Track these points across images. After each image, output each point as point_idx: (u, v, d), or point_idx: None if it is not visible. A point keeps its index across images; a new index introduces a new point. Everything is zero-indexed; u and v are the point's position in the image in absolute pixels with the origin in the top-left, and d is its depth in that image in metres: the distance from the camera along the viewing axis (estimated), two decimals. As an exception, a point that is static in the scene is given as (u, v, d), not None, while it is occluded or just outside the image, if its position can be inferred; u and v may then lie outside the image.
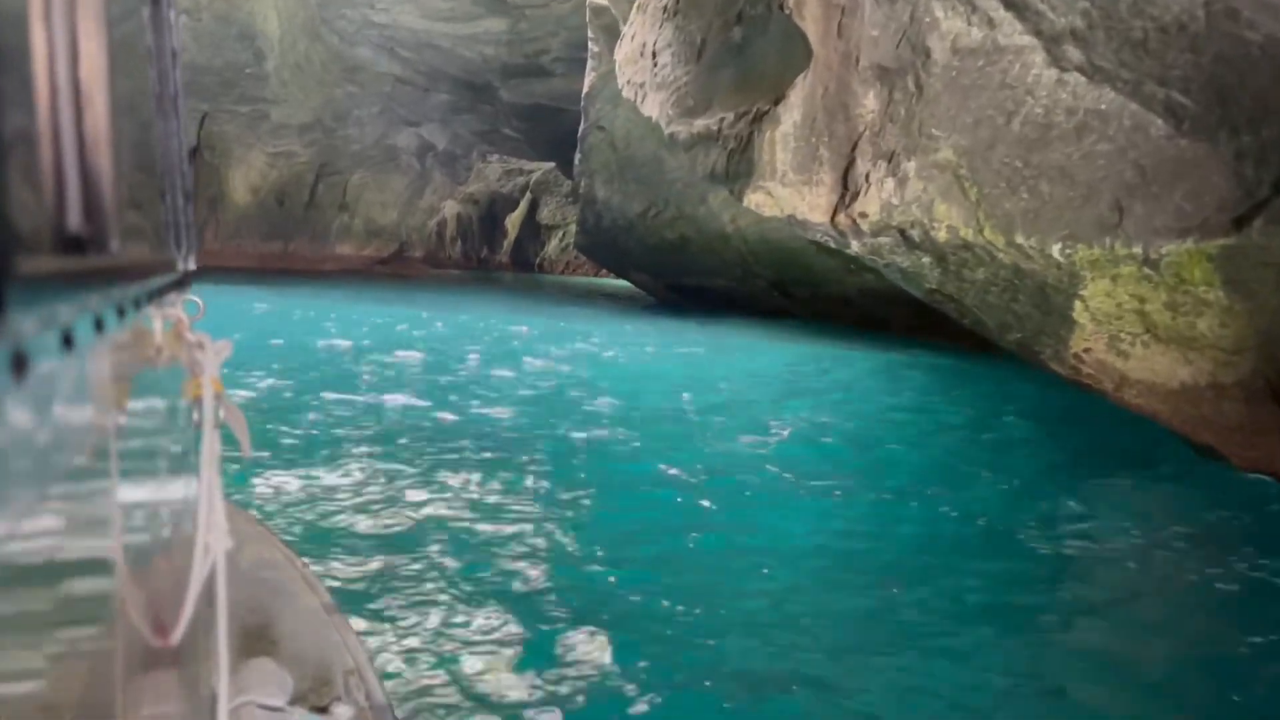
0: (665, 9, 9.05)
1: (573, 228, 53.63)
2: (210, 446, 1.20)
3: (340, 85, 27.09)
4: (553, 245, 55.25)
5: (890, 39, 6.17)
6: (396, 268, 35.55)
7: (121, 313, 0.81)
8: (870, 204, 6.47)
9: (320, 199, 31.12)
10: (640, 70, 9.99)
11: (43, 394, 0.52)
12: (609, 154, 23.57)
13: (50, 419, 0.54)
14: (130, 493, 0.89)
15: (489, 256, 52.16)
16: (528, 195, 52.44)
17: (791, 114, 6.71)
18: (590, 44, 20.34)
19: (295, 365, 9.30)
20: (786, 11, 6.54)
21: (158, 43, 1.49)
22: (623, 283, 32.09)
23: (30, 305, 0.47)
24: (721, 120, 7.72)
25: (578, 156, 24.69)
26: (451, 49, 25.97)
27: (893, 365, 13.11)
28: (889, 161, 6.36)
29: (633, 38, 10.34)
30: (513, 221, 53.41)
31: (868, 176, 6.50)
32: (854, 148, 6.56)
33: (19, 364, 0.45)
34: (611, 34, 19.91)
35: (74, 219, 0.67)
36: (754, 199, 7.08)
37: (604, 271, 47.86)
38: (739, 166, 7.17)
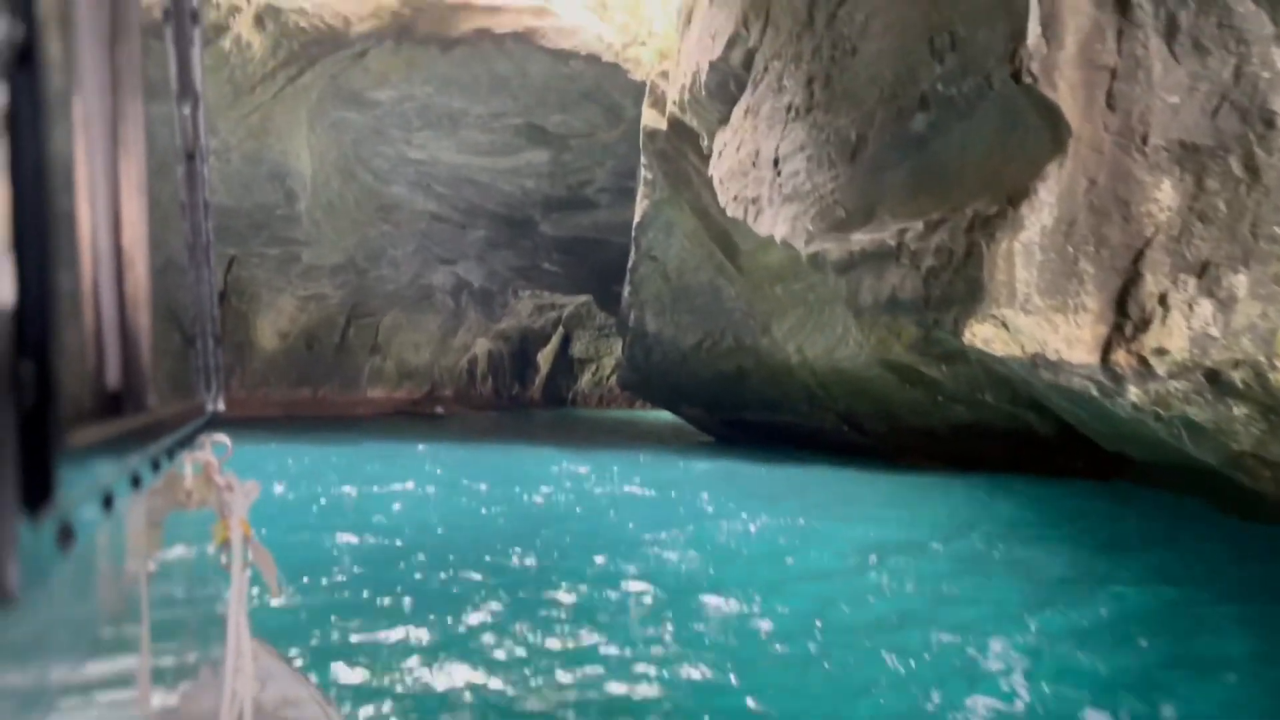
0: (791, 108, 7.28)
1: (606, 361, 52.27)
2: (239, 589, 1.24)
3: (374, 224, 26.01)
4: (585, 379, 53.89)
5: (1201, 106, 4.36)
6: (429, 408, 33.97)
7: (156, 466, 0.82)
8: (1171, 336, 4.51)
9: (351, 342, 29.75)
10: (753, 183, 8.23)
11: (83, 558, 0.51)
12: (661, 285, 22.09)
13: (89, 581, 0.55)
14: (159, 640, 0.88)
15: (520, 393, 50.66)
16: (560, 330, 51.40)
17: (1038, 217, 4.84)
18: (643, 170, 19.02)
19: (362, 523, 7.22)
20: (1027, 81, 4.74)
21: (191, 196, 1.61)
22: (663, 415, 30.26)
23: (76, 476, 0.50)
24: (903, 232, 5.80)
25: (627, 289, 23.19)
26: (491, 183, 24.91)
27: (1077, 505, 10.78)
28: (1200, 276, 4.43)
29: (738, 148, 8.63)
30: (545, 357, 52.20)
31: (1164, 298, 4.56)
32: (1138, 259, 4.66)
33: (65, 536, 0.47)
34: (667, 159, 18.58)
35: (113, 377, 0.69)
36: (978, 332, 5.12)
37: (639, 404, 46.18)
38: (950, 290, 5.23)
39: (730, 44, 8.55)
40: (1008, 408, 17.63)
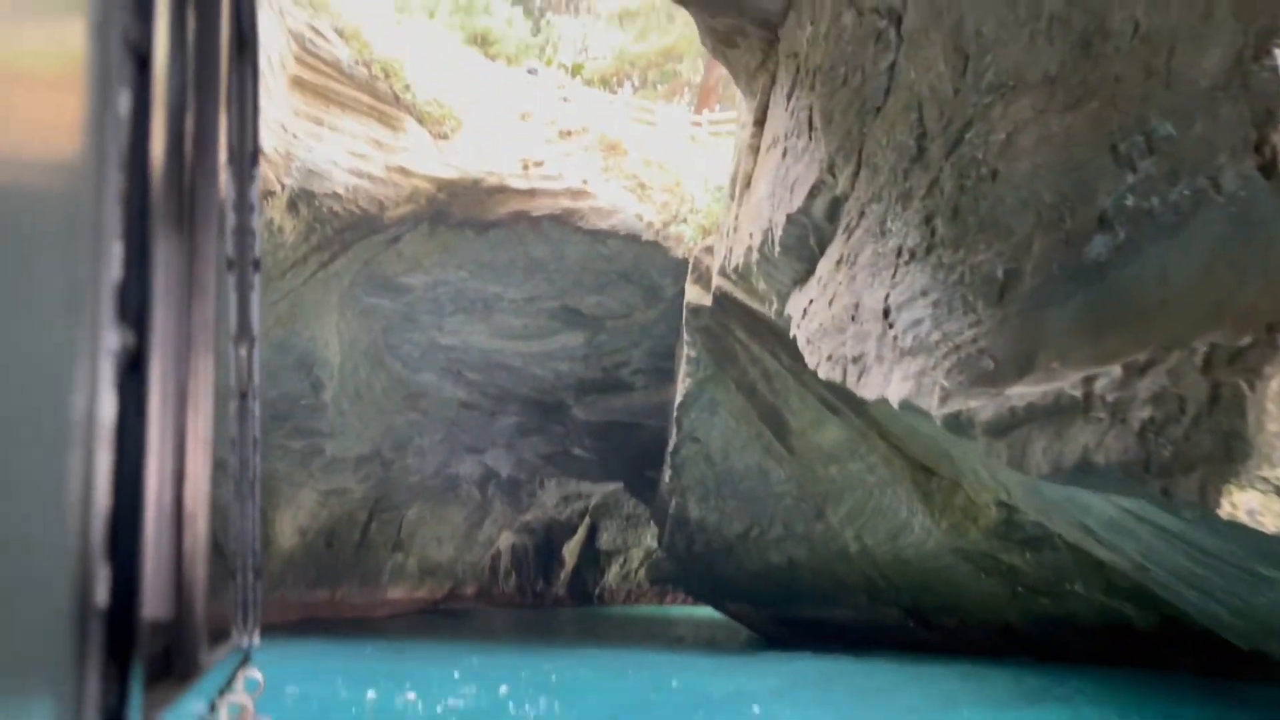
0: (903, 251, 6.26)
1: (634, 553, 50.03)
2: None
3: (402, 413, 25.14)
4: (613, 573, 51.48)
5: None
6: (453, 605, 32.02)
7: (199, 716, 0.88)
8: None
9: (373, 538, 28.24)
10: (854, 339, 7.13)
11: None
12: (704, 468, 20.83)
13: None
14: None
15: (545, 589, 48.26)
16: (586, 520, 49.61)
17: (1318, 347, 3.69)
18: (685, 349, 18.20)
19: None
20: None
21: (242, 432, 1.72)
22: (701, 611, 28.36)
23: None
24: (1090, 381, 4.60)
25: (667, 473, 21.91)
26: (523, 368, 24.19)
27: None
28: None
29: (830, 302, 7.60)
30: (570, 550, 50.10)
31: None
32: None
33: None
34: (711, 335, 17.77)
35: (168, 627, 0.74)
36: (1239, 501, 3.84)
37: (669, 598, 43.72)
38: (1189, 447, 3.98)
39: (812, 194, 7.67)
40: (1100, 599, 15.78)
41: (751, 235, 9.77)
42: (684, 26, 28.07)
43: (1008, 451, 5.37)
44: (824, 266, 7.82)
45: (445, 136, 17.77)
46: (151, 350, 0.60)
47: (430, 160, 17.36)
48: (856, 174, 7.23)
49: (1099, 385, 4.58)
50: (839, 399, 15.70)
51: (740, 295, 15.56)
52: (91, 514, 0.53)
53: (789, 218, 8.23)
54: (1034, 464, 5.11)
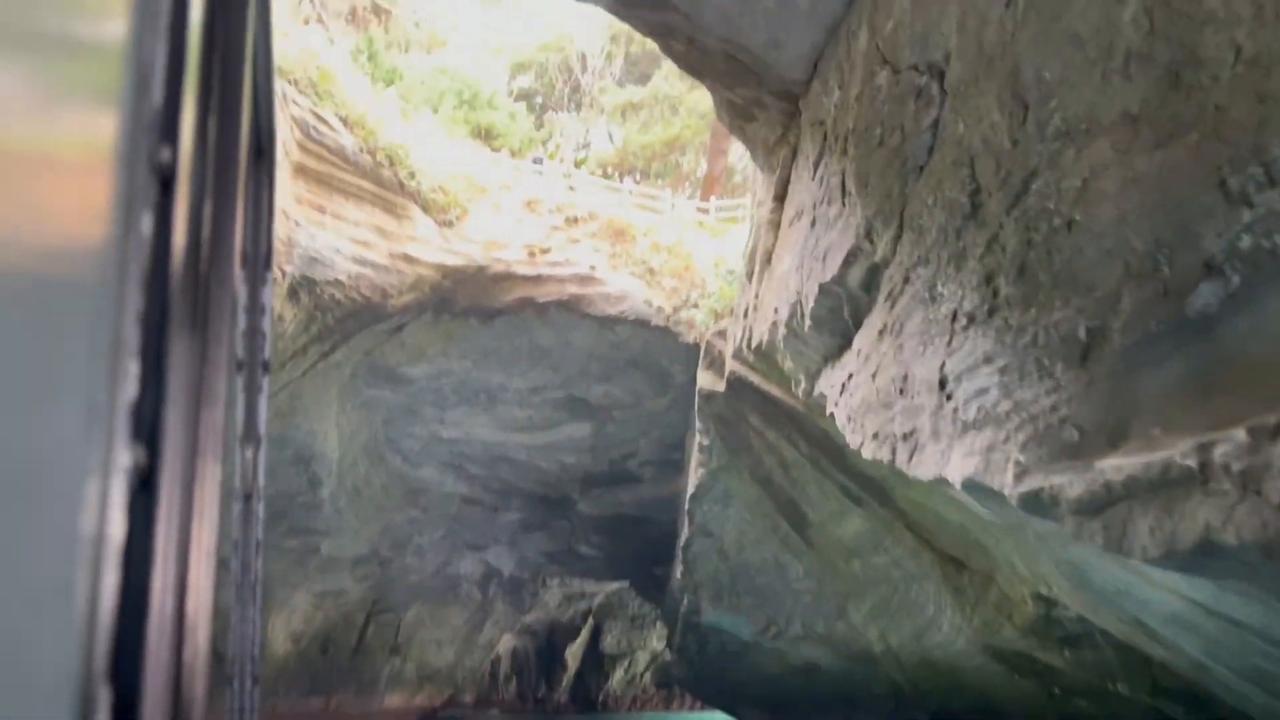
0: (959, 315, 5.74)
1: (640, 656, 48.24)
2: None
3: (401, 510, 24.29)
4: (617, 677, 49.55)
5: None
6: (452, 713, 30.50)
7: None
8: None
9: (370, 642, 27.01)
10: (904, 414, 6.55)
11: None
12: (717, 563, 19.92)
13: None
14: None
15: (547, 694, 46.31)
16: (590, 622, 47.95)
17: None
18: (698, 437, 17.55)
19: None
20: None
21: (245, 535, 1.69)
22: (709, 718, 27.10)
23: None
24: (1206, 448, 4.01)
25: (678, 569, 20.96)
26: (527, 461, 23.45)
27: None
28: None
29: (874, 375, 7.04)
30: (573, 653, 48.30)
31: None
32: None
33: None
34: (724, 423, 17.17)
35: None
36: None
37: (675, 704, 41.91)
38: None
39: (847, 262, 7.18)
40: (1145, 700, 14.76)
41: (777, 310, 9.26)
42: (686, 117, 28.36)
43: (1104, 533, 4.70)
44: (863, 338, 7.27)
45: (450, 224, 17.50)
46: (163, 467, 0.61)
47: (435, 248, 17.05)
48: (898, 238, 6.73)
49: (1219, 453, 3.96)
50: (862, 488, 14.97)
51: (756, 379, 15.00)
52: (96, 636, 0.52)
53: (821, 288, 7.72)
54: (1139, 546, 4.44)
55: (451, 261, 17.22)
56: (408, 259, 16.69)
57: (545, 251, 17.67)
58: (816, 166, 8.44)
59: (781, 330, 9.01)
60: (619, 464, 23.14)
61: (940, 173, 6.27)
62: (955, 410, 5.91)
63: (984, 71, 5.79)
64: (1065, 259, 4.95)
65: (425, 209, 17.09)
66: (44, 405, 0.50)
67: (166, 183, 0.69)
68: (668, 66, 29.59)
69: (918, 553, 15.36)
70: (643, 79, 29.84)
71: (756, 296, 10.85)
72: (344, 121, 15.83)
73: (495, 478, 24.17)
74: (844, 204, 7.58)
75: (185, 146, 0.71)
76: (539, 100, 30.52)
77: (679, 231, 18.27)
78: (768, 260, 10.53)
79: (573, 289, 17.48)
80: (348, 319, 16.92)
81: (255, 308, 1.74)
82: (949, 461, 6.02)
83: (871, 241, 7.18)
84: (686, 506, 19.17)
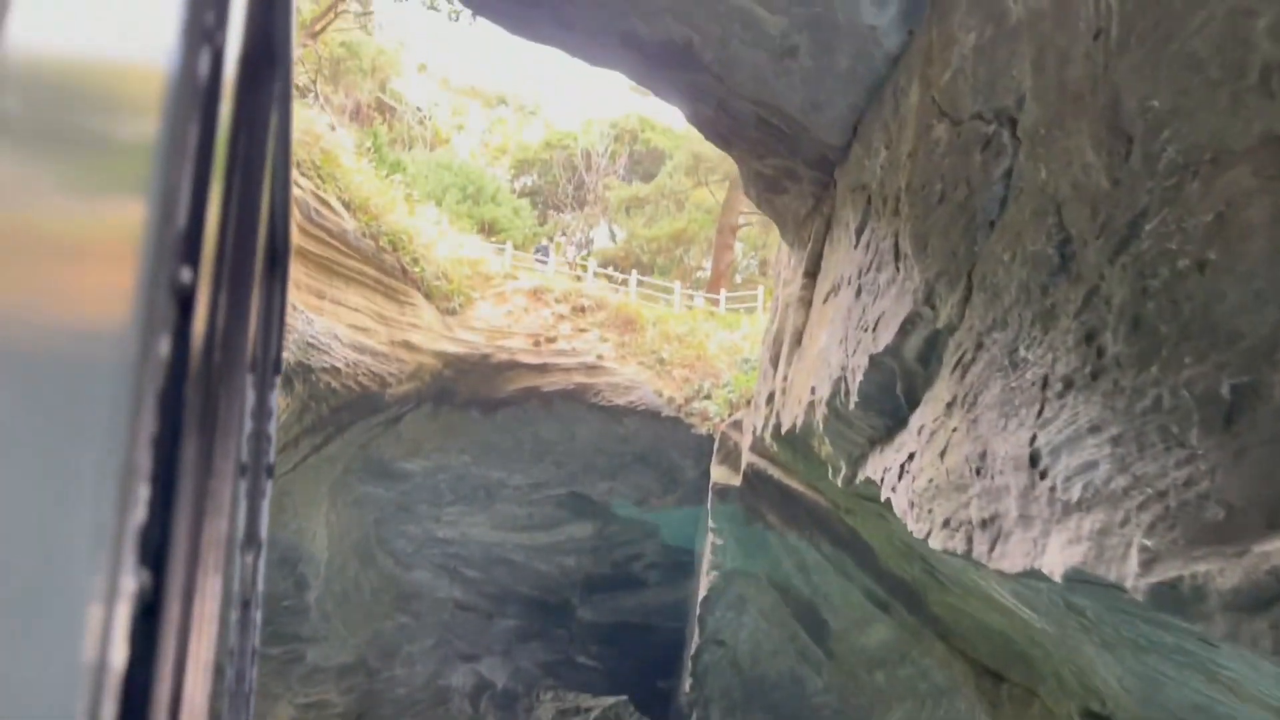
0: (1052, 381, 5.06)
1: (636, 775, 45.64)
2: None
3: (391, 616, 22.95)
4: (612, 799, 46.81)
5: None
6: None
7: None
8: None
9: (353, 761, 25.21)
10: (983, 497, 5.77)
11: None
12: (730, 676, 18.61)
13: None
14: None
15: (538, 819, 43.53)
16: (584, 739, 45.51)
17: None
18: (710, 537, 16.56)
19: None
20: None
21: (241, 643, 1.69)
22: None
23: None
24: None
25: (686, 682, 19.59)
26: (526, 563, 22.28)
27: None
28: None
29: (941, 454, 6.29)
30: (567, 772, 45.71)
31: None
32: None
33: None
34: (740, 521, 16.24)
35: None
36: None
37: (675, 828, 39.37)
38: None
39: (904, 331, 6.49)
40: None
41: (814, 391, 8.53)
42: (692, 212, 28.26)
43: (1272, 635, 3.84)
44: (926, 413, 6.52)
45: (453, 312, 16.90)
46: (167, 588, 0.60)
47: (437, 335, 16.40)
48: (967, 300, 6.03)
49: None
50: (890, 593, 13.96)
51: (777, 473, 14.15)
52: None
53: (872, 361, 7.01)
54: (1331, 654, 3.57)
55: (454, 350, 16.54)
56: (409, 346, 16.01)
57: (551, 340, 17.02)
58: (860, 233, 7.83)
59: (821, 411, 8.25)
60: (623, 566, 21.97)
61: (1017, 226, 5.62)
62: (1052, 489, 5.10)
63: (1070, 110, 5.20)
64: (1198, 306, 4.22)
65: (428, 296, 16.51)
66: (53, 527, 0.48)
67: (185, 304, 0.68)
68: (673, 163, 29.71)
69: (949, 664, 14.22)
70: (647, 177, 29.89)
71: (785, 380, 10.13)
72: (346, 205, 15.38)
73: (491, 581, 22.93)
74: (898, 268, 6.93)
75: (206, 270, 0.70)
76: (542, 198, 30.44)
77: (690, 321, 17.68)
78: (798, 340, 9.85)
79: (579, 378, 16.77)
80: (343, 409, 16.10)
81: (262, 412, 1.72)
82: (1045, 550, 5.17)
83: (933, 307, 6.49)
84: (697, 613, 17.99)
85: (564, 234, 28.78)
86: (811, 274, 9.61)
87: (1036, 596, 7.95)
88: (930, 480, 6.27)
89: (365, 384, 15.69)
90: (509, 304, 17.57)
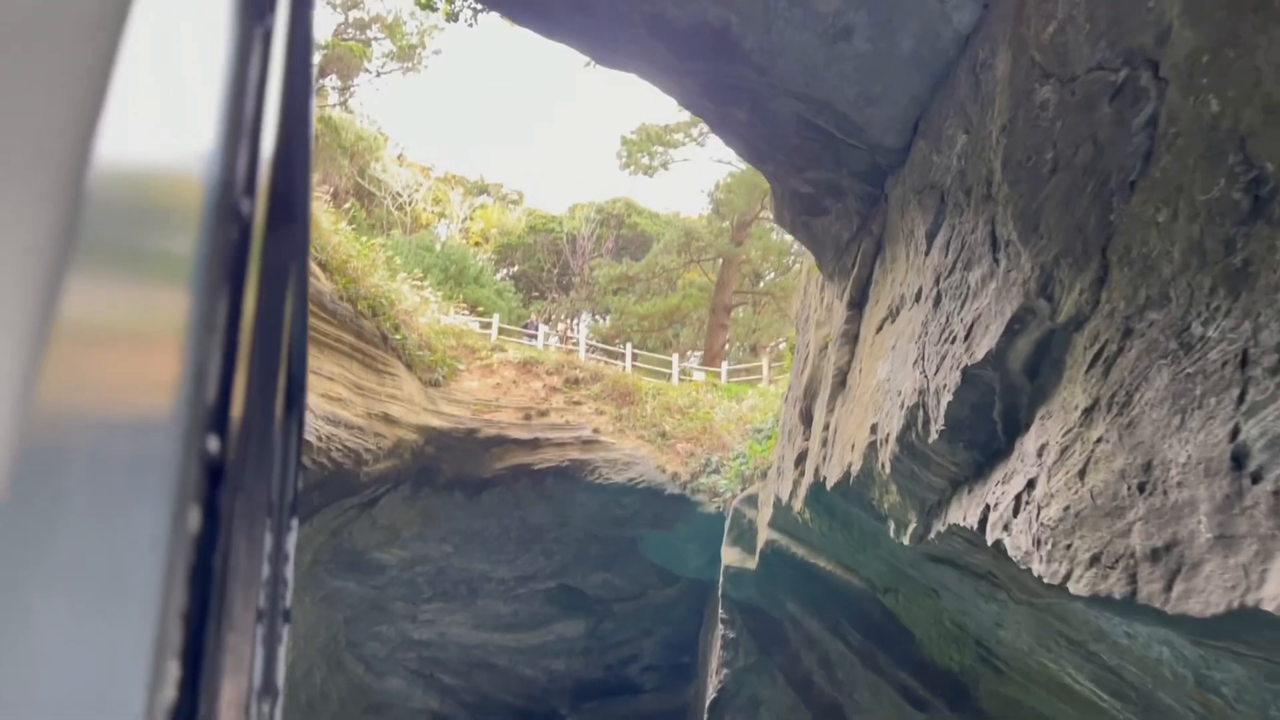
0: (1252, 359, 3.81)
1: None
2: None
3: (360, 729, 20.72)
4: None
5: None
6: None
7: None
8: None
9: None
10: (1148, 522, 4.53)
11: None
12: (742, 792, 16.65)
13: None
14: None
15: None
16: None
17: None
18: (720, 629, 14.90)
19: None
20: None
21: None
22: None
23: None
24: None
25: (691, 800, 17.58)
26: (510, 667, 20.27)
27: None
28: None
29: (1081, 474, 5.09)
30: None
31: None
32: None
33: None
34: (754, 612, 14.67)
35: None
36: None
37: None
38: None
39: (1012, 332, 5.33)
40: None
41: (874, 431, 7.28)
42: (685, 289, 27.38)
43: None
44: (1047, 430, 5.29)
45: (437, 384, 15.57)
46: None
47: (419, 408, 15.02)
48: (1102, 281, 4.87)
49: None
50: (930, 688, 12.38)
51: (800, 551, 12.71)
52: None
53: (966, 376, 5.80)
54: None
55: (437, 424, 15.13)
56: (387, 419, 14.59)
57: (543, 414, 15.67)
58: (933, 237, 6.73)
59: (888, 451, 6.96)
60: (617, 670, 20.00)
61: (1175, 178, 4.49)
62: (1276, 495, 3.81)
63: (1250, 22, 4.14)
64: None
65: (409, 366, 15.20)
66: (86, 708, 0.47)
67: (216, 474, 0.67)
68: (664, 240, 29.01)
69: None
70: (636, 257, 29.16)
71: (827, 429, 8.87)
72: (323, 266, 14.20)
73: (471, 689, 20.83)
74: (996, 260, 5.79)
75: (235, 434, 0.71)
76: (526, 282, 29.49)
77: (692, 393, 16.44)
78: (842, 382, 8.64)
79: (574, 454, 15.35)
80: (314, 490, 14.54)
81: (279, 556, 1.68)
82: (1266, 579, 3.84)
83: (1050, 298, 5.31)
84: (705, 719, 16.13)
85: (551, 317, 27.76)
86: (857, 304, 8.48)
87: (1156, 666, 6.57)
88: (1066, 509, 4.96)
89: (339, 460, 14.18)
90: (496, 376, 16.27)
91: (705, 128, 30.56)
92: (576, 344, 20.73)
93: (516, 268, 30.12)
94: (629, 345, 21.79)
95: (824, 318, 9.93)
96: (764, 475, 13.31)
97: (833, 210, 8.33)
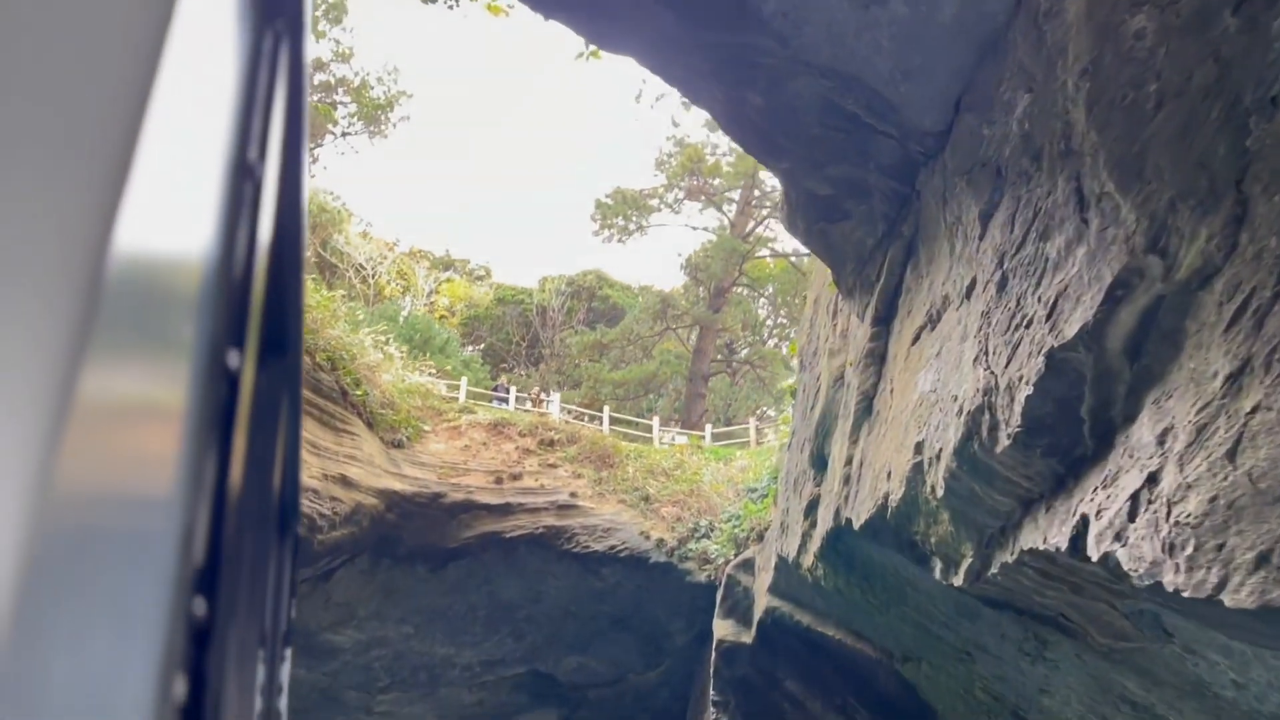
0: None
1: None
2: None
3: (304, 839, 18.56)
4: None
5: None
6: None
7: None
8: None
9: None
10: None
11: None
12: None
13: None
14: None
15: None
16: None
17: None
18: (713, 711, 13.48)
19: None
20: None
21: None
22: None
23: None
24: None
25: None
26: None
27: None
28: None
29: (1230, 454, 4.10)
30: None
31: None
32: None
33: None
34: (751, 690, 13.30)
35: None
36: None
37: None
38: None
39: (1113, 299, 4.44)
40: None
41: (919, 451, 6.27)
42: (661, 358, 26.44)
43: None
44: (1170, 411, 4.31)
45: (400, 445, 14.31)
46: None
47: (380, 471, 13.72)
48: (1239, 221, 3.98)
49: None
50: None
51: (805, 619, 11.49)
52: None
53: (1052, 361, 4.85)
54: None
55: (399, 487, 13.81)
56: (345, 482, 13.26)
57: (515, 477, 14.42)
58: (989, 218, 5.87)
59: (940, 472, 5.93)
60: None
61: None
62: None
63: None
64: None
65: (371, 425, 13.96)
66: None
67: (201, 637, 0.66)
68: (639, 308, 28.20)
69: None
70: (610, 325, 28.27)
71: (850, 464, 7.84)
72: (281, 313, 13.09)
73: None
74: (1085, 220, 4.90)
75: (227, 587, 0.71)
76: (494, 355, 28.40)
77: (677, 455, 15.31)
78: (867, 408, 7.65)
79: (549, 520, 14.06)
80: (260, 560, 13.10)
81: (271, 688, 1.60)
82: None
83: (1164, 252, 4.39)
84: (692, 816, 14.50)
85: (523, 387, 26.68)
86: (883, 319, 7.56)
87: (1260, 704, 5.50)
88: (1213, 500, 3.94)
89: (290, 525, 12.80)
90: (465, 438, 15.05)
91: (681, 193, 30.23)
92: (550, 407, 19.59)
93: (484, 342, 29.05)
94: (605, 409, 20.67)
95: (839, 345, 9.01)
96: (761, 538, 12.16)
97: (855, 214, 7.47)
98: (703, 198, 28.43)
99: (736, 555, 12.49)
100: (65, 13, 0.47)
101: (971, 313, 5.89)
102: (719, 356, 28.28)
